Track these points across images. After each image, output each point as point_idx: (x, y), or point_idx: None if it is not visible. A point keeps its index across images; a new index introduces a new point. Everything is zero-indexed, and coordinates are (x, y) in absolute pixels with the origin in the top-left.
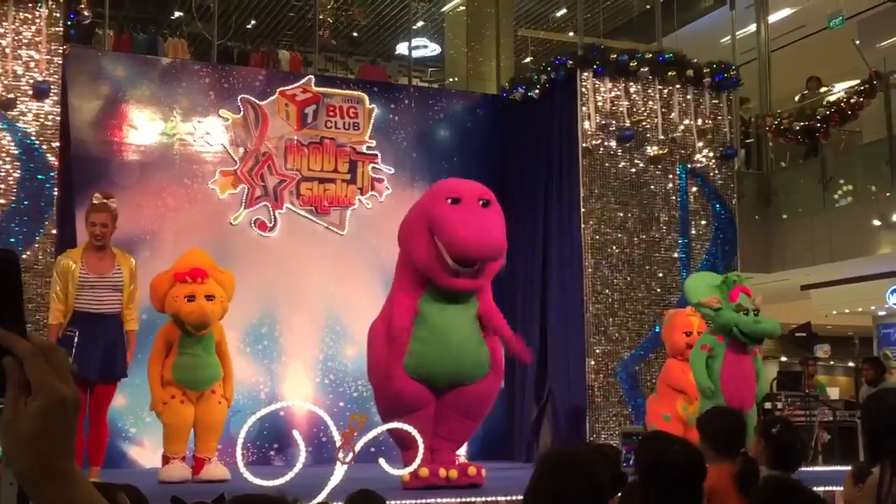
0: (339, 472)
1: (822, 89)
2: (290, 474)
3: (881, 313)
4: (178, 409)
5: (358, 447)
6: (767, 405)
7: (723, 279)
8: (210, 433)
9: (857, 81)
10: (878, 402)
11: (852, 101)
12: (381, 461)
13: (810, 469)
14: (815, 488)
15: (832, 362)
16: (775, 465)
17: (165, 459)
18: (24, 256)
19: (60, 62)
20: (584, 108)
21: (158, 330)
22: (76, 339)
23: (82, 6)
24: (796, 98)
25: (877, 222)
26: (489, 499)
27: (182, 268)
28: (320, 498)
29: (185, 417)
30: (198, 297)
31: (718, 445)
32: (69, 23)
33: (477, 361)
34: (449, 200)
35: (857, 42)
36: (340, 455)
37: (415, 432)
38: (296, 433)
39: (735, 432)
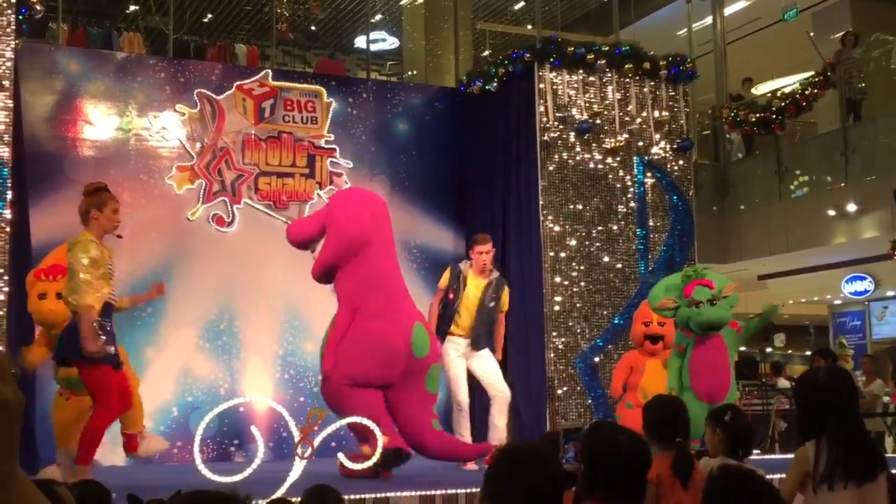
0: (298, 467)
1: (756, 89)
2: (249, 470)
3: (837, 302)
4: (64, 405)
5: (317, 442)
6: None
7: (682, 276)
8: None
9: (812, 73)
10: (812, 380)
11: (807, 92)
12: (340, 455)
13: (767, 457)
14: (771, 476)
15: (789, 351)
16: (731, 453)
17: (131, 436)
18: None
19: (12, 57)
20: (541, 101)
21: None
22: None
23: (34, 0)
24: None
25: (832, 212)
26: (448, 492)
27: (43, 265)
28: (279, 493)
29: (67, 418)
30: (49, 295)
31: (657, 434)
32: (20, 17)
33: None
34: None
35: (812, 34)
36: (299, 450)
37: (373, 426)
38: (254, 429)
39: (672, 420)
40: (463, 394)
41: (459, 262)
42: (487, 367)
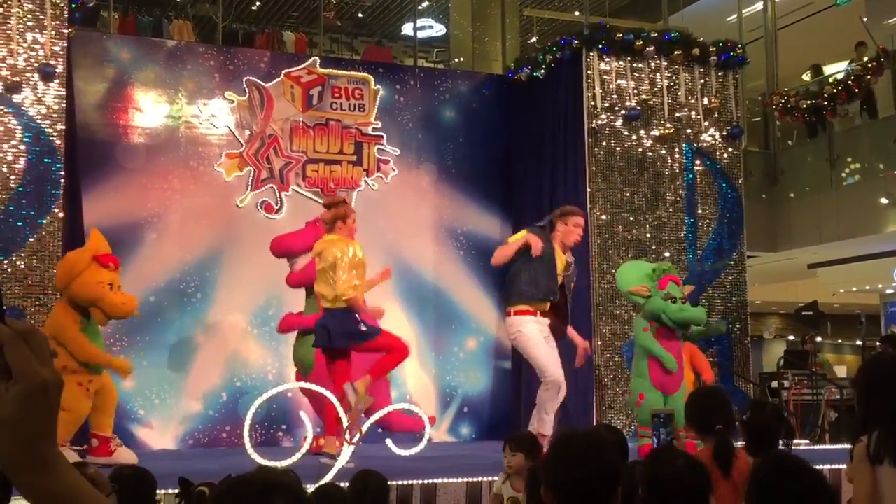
0: (346, 452)
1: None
2: (298, 455)
3: (888, 291)
4: (85, 397)
5: (365, 428)
6: (774, 384)
7: (654, 268)
8: (111, 409)
9: (865, 59)
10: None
11: (860, 78)
12: (388, 441)
13: (817, 447)
14: (821, 466)
15: (839, 341)
16: (754, 450)
17: (107, 441)
18: (30, 240)
19: (65, 45)
20: (589, 88)
21: (61, 310)
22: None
23: None
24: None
25: (884, 200)
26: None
27: (99, 251)
28: (327, 478)
29: (88, 407)
30: (115, 287)
31: (698, 423)
32: (73, 5)
33: None
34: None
35: (865, 19)
36: (347, 436)
37: (423, 414)
38: (303, 414)
39: (713, 409)
40: (555, 367)
41: (541, 225)
42: (552, 346)
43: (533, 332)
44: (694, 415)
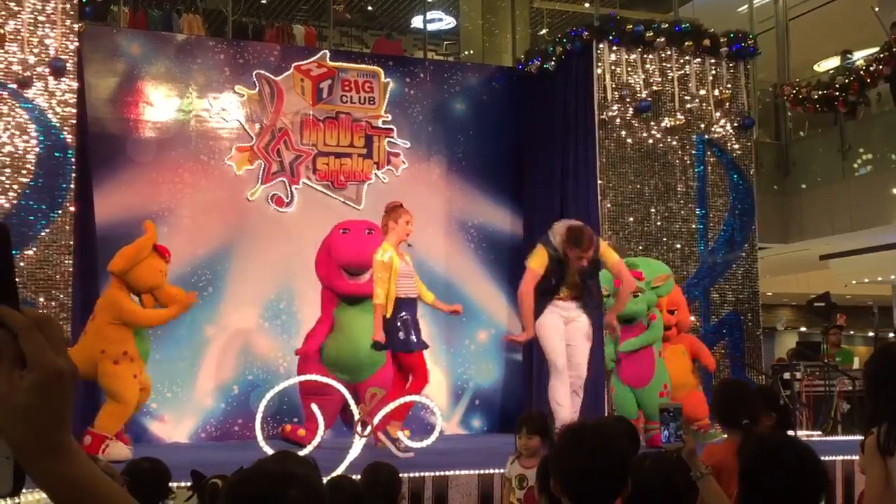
0: (358, 445)
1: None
2: (309, 448)
3: None
4: (136, 388)
5: (376, 420)
6: (786, 375)
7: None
8: (142, 401)
9: (877, 49)
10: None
11: (871, 69)
12: (400, 434)
13: (829, 438)
14: (834, 458)
15: (851, 332)
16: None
17: (100, 439)
18: (42, 234)
19: (76, 40)
20: (600, 80)
21: (115, 291)
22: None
23: None
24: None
25: None
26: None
27: (157, 241)
28: (339, 470)
29: (135, 402)
30: (164, 276)
31: (724, 417)
32: (84, 0)
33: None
34: (341, 231)
35: (877, 9)
36: (359, 428)
37: (432, 404)
38: (314, 407)
39: (739, 402)
40: (562, 359)
41: (548, 237)
42: (578, 341)
43: (544, 321)
44: (721, 407)
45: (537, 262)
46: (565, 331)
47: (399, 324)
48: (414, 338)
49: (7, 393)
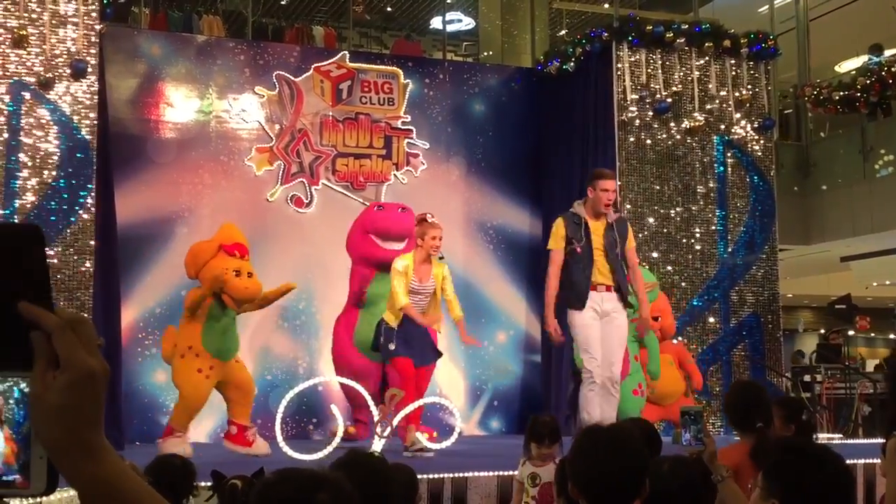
0: (377, 445)
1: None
2: (329, 448)
3: None
4: (203, 384)
5: (395, 421)
6: (806, 377)
7: None
8: (248, 397)
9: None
10: None
11: (893, 69)
12: (418, 434)
13: (850, 441)
14: (855, 461)
15: (872, 334)
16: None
17: (170, 431)
18: (63, 234)
19: (97, 41)
20: (619, 81)
21: (190, 294)
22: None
23: None
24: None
25: None
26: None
27: (226, 241)
28: None
29: (205, 394)
30: (242, 273)
31: (737, 420)
32: (105, 1)
33: None
34: (375, 208)
35: None
36: (378, 429)
37: (451, 405)
38: (334, 408)
39: (753, 406)
40: (597, 363)
41: (569, 209)
42: (612, 337)
43: (576, 321)
44: (734, 409)
45: (553, 240)
46: (600, 327)
47: (393, 333)
48: (394, 347)
49: (41, 393)
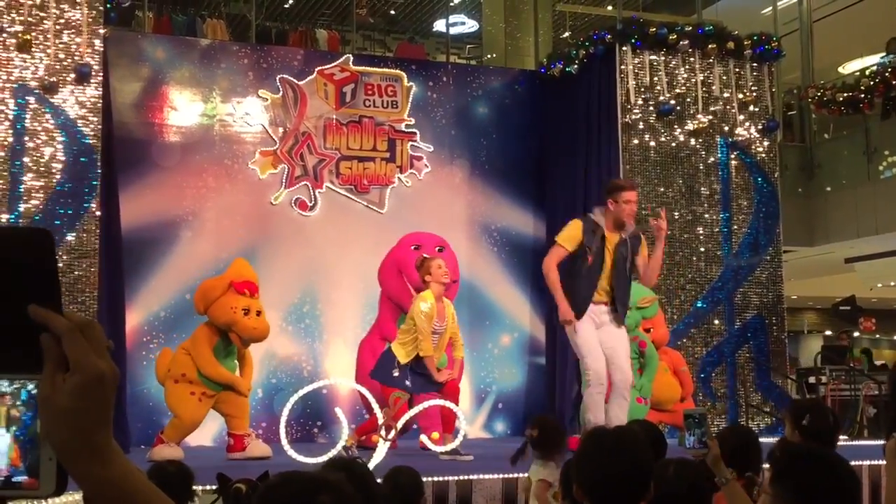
0: (382, 449)
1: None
2: (333, 451)
3: None
4: (197, 407)
5: (400, 424)
6: (811, 379)
7: None
8: (243, 409)
9: None
10: None
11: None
12: (423, 437)
13: (855, 443)
14: (860, 462)
15: (877, 336)
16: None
17: (159, 440)
18: (68, 238)
19: (101, 45)
20: (623, 83)
21: (201, 329)
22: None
23: None
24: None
25: None
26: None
27: (236, 278)
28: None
29: (200, 416)
30: (251, 312)
31: (731, 464)
32: (109, 6)
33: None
34: (412, 247)
35: None
36: (382, 432)
37: (455, 408)
38: (338, 411)
39: (743, 451)
40: (601, 364)
41: (590, 212)
42: (616, 343)
43: (575, 326)
44: (729, 454)
45: (565, 236)
46: (599, 335)
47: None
48: (398, 374)
49: (50, 395)
